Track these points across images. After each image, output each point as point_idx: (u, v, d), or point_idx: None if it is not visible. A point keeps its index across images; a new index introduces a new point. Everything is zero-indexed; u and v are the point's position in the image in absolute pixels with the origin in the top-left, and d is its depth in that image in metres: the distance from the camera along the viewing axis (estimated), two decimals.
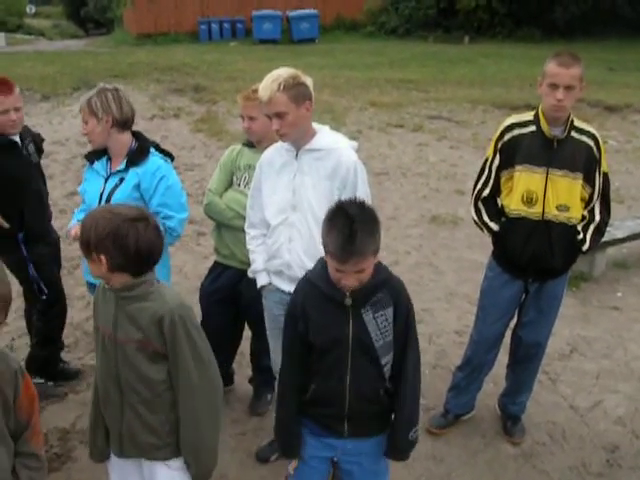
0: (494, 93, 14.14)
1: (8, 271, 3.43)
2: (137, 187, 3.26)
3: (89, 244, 2.24)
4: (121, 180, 3.29)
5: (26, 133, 3.91)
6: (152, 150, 3.36)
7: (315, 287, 2.43)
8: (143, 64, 17.73)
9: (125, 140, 3.34)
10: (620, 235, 5.98)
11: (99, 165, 3.41)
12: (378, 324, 2.40)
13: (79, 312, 5.08)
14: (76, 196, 7.60)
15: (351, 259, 2.22)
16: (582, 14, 23.35)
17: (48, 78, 14.91)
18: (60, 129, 11.11)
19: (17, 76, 14.49)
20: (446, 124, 11.93)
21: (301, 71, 3.05)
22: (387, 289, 2.41)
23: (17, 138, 3.78)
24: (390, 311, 2.41)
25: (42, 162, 4.19)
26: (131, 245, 2.20)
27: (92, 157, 3.45)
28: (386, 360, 2.45)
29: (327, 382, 2.47)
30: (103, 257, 2.22)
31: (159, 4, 25.83)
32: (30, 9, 46.74)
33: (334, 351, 2.41)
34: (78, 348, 4.64)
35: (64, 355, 4.41)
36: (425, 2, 25.23)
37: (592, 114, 12.25)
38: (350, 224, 2.21)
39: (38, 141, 4.06)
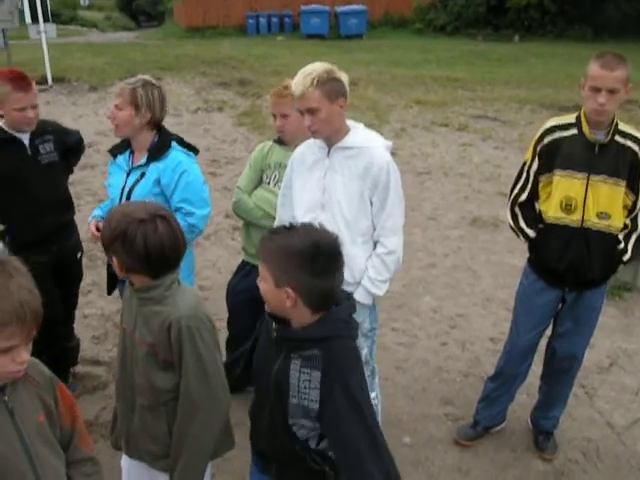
0: (542, 93, 13.83)
1: None
2: (157, 182, 3.18)
3: (104, 244, 2.21)
4: (142, 175, 3.21)
5: (45, 130, 3.68)
6: (174, 144, 3.28)
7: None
8: (190, 57, 17.88)
9: (151, 136, 3.27)
10: None
11: (122, 159, 3.33)
12: (299, 379, 2.02)
13: (110, 304, 5.08)
14: None
15: (259, 244, 2.06)
16: (636, 14, 22.70)
17: (97, 69, 15.14)
18: (105, 120, 11.11)
19: (67, 67, 14.82)
20: (492, 124, 11.70)
21: (337, 67, 2.94)
22: (321, 350, 2.00)
23: (23, 135, 3.55)
24: (316, 376, 1.99)
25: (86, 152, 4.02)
26: (140, 248, 2.12)
27: (116, 151, 3.38)
28: (294, 422, 2.08)
29: (252, 413, 2.28)
30: (115, 259, 2.17)
31: None
32: (84, 1, 47.62)
33: (260, 383, 2.18)
34: (108, 340, 4.64)
35: (93, 347, 4.42)
36: (475, 0, 24.83)
37: None
38: (287, 228, 2.03)
39: (68, 140, 3.86)
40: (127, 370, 2.33)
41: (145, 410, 2.29)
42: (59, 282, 3.88)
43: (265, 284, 2.01)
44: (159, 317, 2.19)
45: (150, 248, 2.13)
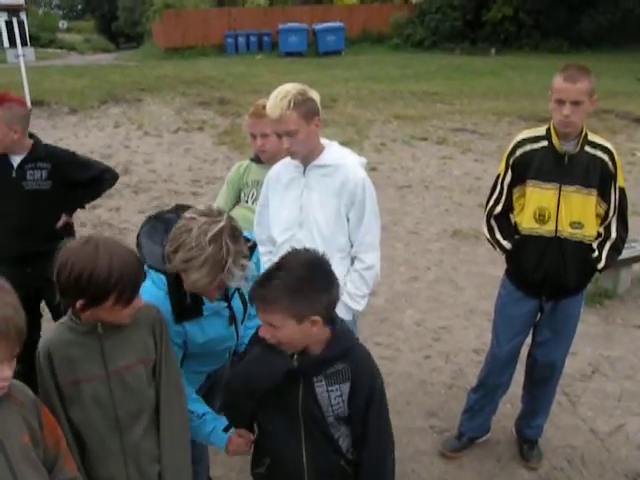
0: (520, 105, 13.99)
1: None
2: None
3: (131, 287, 2.06)
4: (239, 292, 2.62)
5: (40, 157, 3.66)
6: None
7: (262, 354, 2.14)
8: (170, 77, 17.92)
9: None
10: None
11: (209, 307, 2.46)
12: (330, 399, 2.12)
13: None
14: (98, 209, 7.63)
15: (255, 301, 2.05)
16: (610, 25, 23.08)
17: (76, 92, 15.11)
18: (86, 142, 11.23)
19: (46, 90, 14.76)
20: (471, 137, 11.83)
21: (309, 86, 2.96)
22: (348, 361, 2.13)
23: (14, 157, 3.60)
24: (347, 387, 2.12)
25: None
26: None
27: (188, 311, 2.43)
28: (339, 434, 2.20)
29: (282, 458, 2.22)
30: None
31: (187, 18, 26.14)
32: (62, 24, 47.71)
33: (285, 422, 2.16)
34: None
35: None
36: (451, 14, 25.20)
37: (620, 125, 12.06)
38: (275, 269, 2.04)
39: (77, 173, 3.77)
40: (108, 417, 2.16)
41: (142, 440, 2.25)
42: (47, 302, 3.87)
43: (283, 330, 2.02)
44: (144, 324, 2.22)
45: None
